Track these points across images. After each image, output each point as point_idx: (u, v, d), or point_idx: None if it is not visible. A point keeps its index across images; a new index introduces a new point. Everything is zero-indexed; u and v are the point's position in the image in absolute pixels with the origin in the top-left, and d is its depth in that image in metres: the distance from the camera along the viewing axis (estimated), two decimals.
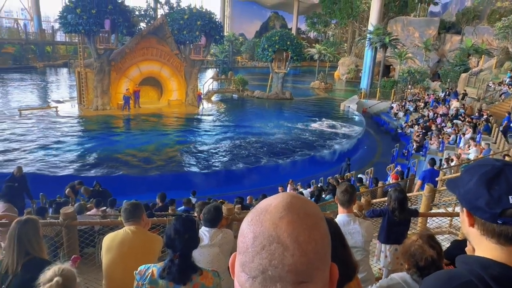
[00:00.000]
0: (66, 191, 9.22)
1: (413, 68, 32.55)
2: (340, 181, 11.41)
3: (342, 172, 14.54)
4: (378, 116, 28.23)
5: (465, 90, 24.65)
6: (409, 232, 4.31)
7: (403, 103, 27.14)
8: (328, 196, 10.49)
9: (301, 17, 68.40)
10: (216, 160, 16.35)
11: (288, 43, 29.46)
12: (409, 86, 31.48)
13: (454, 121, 18.87)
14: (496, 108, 19.84)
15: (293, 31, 57.47)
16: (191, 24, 23.87)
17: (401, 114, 25.17)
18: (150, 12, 36.70)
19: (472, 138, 15.11)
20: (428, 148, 16.53)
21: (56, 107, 23.23)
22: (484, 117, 17.33)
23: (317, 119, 25.34)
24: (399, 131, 22.42)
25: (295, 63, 32.39)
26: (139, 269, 2.11)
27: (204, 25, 24.18)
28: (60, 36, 52.01)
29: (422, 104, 25.22)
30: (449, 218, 5.95)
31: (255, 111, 27.69)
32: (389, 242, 4.13)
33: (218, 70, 41.51)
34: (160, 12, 35.75)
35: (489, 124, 16.15)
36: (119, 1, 21.75)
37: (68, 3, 20.44)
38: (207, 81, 33.96)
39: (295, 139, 20.00)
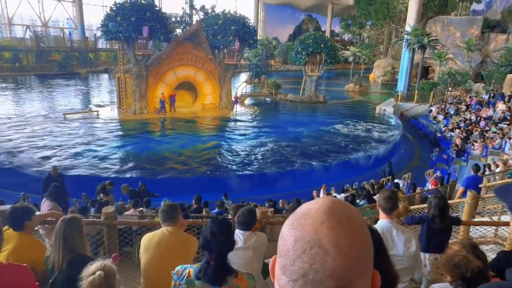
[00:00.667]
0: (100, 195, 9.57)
1: (454, 69, 31.18)
2: (375, 186, 11.11)
3: (384, 175, 14.13)
4: (416, 119, 27.24)
5: (511, 92, 23.27)
6: (450, 241, 4.11)
7: (443, 106, 26.04)
8: (362, 202, 10.23)
9: (335, 19, 67.56)
10: (249, 163, 16.44)
11: (322, 45, 29.19)
12: (450, 88, 30.15)
13: (500, 124, 17.84)
14: None
15: (327, 34, 56.88)
16: (225, 29, 24.26)
17: (440, 117, 24.16)
18: (186, 19, 37.74)
19: None
20: (470, 153, 15.73)
21: (97, 111, 24.35)
22: None
23: (351, 122, 24.87)
24: (439, 135, 21.50)
25: (329, 66, 32.04)
26: (176, 269, 2.16)
27: (238, 29, 24.48)
28: (101, 43, 54.60)
29: (464, 107, 24.07)
30: (494, 227, 5.61)
31: (288, 114, 27.62)
32: (428, 251, 3.96)
33: (251, 74, 41.83)
34: (195, 18, 36.64)
35: None
36: (157, 8, 22.54)
37: (109, 12, 21.45)
38: (241, 85, 34.30)
39: (329, 143, 19.72)
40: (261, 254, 3.31)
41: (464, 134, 17.84)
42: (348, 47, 50.05)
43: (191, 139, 19.32)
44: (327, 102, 31.97)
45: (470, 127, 18.81)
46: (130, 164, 15.37)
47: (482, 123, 19.03)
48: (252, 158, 17.05)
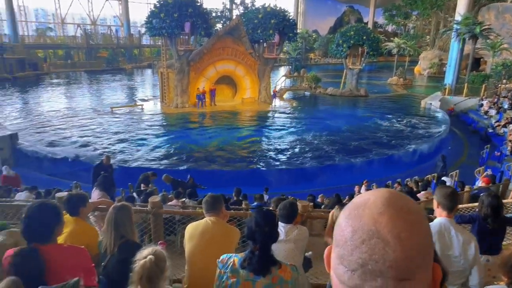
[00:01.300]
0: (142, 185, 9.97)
1: (509, 60, 29.02)
2: (419, 183, 10.68)
3: (439, 170, 13.55)
4: (465, 114, 25.74)
5: None
6: (504, 243, 3.88)
7: (496, 99, 24.37)
8: None
9: (378, 10, 65.05)
10: (288, 157, 16.40)
11: (364, 37, 28.30)
12: (504, 81, 28.14)
13: None
14: None
15: (370, 25, 55.06)
16: (265, 22, 24.23)
17: (492, 111, 22.65)
18: (226, 13, 38.10)
19: None
20: None
21: (142, 105, 25.35)
22: None
23: (394, 117, 24.00)
24: (490, 130, 20.20)
25: (371, 58, 31.03)
26: (221, 257, 2.22)
27: (278, 23, 24.35)
28: (145, 40, 56.58)
29: None
30: None
31: (327, 108, 27.17)
32: (479, 252, 3.76)
33: (290, 67, 41.52)
34: (236, 12, 36.88)
35: None
36: (198, 4, 22.93)
37: (153, 9, 22.14)
38: (280, 78, 34.17)
39: (369, 138, 19.18)
40: (302, 248, 3.31)
41: None
42: (392, 38, 48.10)
43: (230, 132, 19.59)
44: (368, 96, 31.05)
45: None
46: (172, 156, 15.89)
47: None
48: (291, 152, 16.99)
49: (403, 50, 41.72)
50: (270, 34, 24.33)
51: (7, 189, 9.60)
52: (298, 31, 34.31)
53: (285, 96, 30.74)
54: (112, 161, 13.11)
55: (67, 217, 3.19)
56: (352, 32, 28.62)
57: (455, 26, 29.42)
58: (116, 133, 19.21)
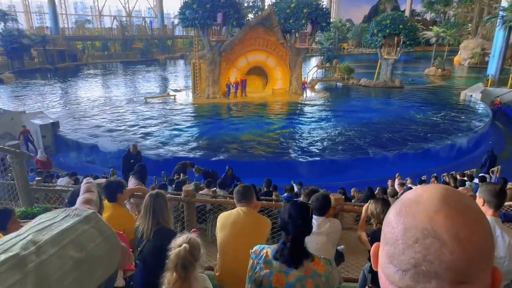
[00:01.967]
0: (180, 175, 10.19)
1: None
2: (457, 178, 10.24)
3: (486, 165, 12.93)
4: (509, 106, 24.31)
5: None
6: None
7: None
8: None
9: None
10: (319, 149, 16.22)
11: (401, 26, 27.22)
12: None
13: None
14: None
15: (407, 13, 52.90)
16: (298, 12, 23.85)
17: None
18: (258, 3, 37.84)
19: None
20: None
21: (174, 95, 25.84)
22: None
23: (430, 109, 23.06)
24: None
25: (408, 48, 29.84)
26: (254, 248, 2.23)
27: (311, 12, 23.90)
28: (178, 31, 57.41)
29: None
30: None
31: (360, 100, 26.51)
32: None
33: (322, 58, 40.76)
34: (268, 2, 36.54)
35: None
36: None
37: (186, 0, 22.35)
38: (311, 69, 33.68)
39: (404, 131, 18.55)
40: (335, 241, 3.27)
41: None
42: (430, 27, 45.95)
43: (260, 123, 19.60)
44: (403, 87, 29.98)
45: None
46: (203, 147, 16.13)
47: None
48: (322, 144, 16.79)
49: (442, 39, 39.70)
50: (303, 24, 23.95)
51: (49, 175, 10.14)
52: (331, 20, 33.49)
53: (317, 87, 30.28)
54: (143, 150, 13.55)
55: (105, 202, 3.32)
56: (388, 21, 27.60)
57: (500, 13, 27.63)
58: (149, 122, 19.73)
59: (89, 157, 15.61)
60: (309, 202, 3.30)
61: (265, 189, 8.46)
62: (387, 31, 27.41)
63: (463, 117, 21.36)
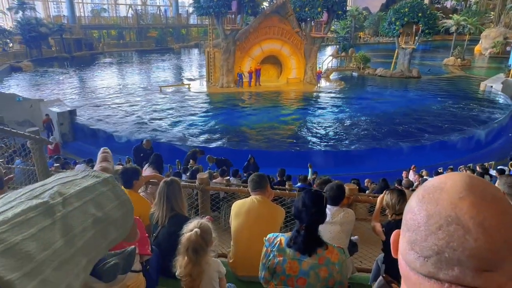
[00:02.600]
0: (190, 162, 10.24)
1: None
2: (475, 171, 10.03)
3: None
4: None
5: None
6: None
7: None
8: None
9: None
10: (333, 139, 16.11)
11: (420, 14, 26.52)
12: None
13: None
14: None
15: (426, 1, 51.33)
16: (313, 0, 23.45)
17: None
18: None
19: None
20: None
21: (189, 85, 25.93)
22: None
23: (448, 100, 22.56)
24: None
25: (426, 37, 29.03)
26: (268, 236, 2.24)
27: (327, 0, 23.49)
28: (193, 19, 57.28)
29: None
30: None
31: (376, 90, 26.10)
32: None
33: (338, 47, 40.16)
34: None
35: None
36: None
37: None
38: (326, 58, 33.24)
39: (420, 122, 18.22)
40: (348, 230, 3.27)
41: None
42: (450, 15, 44.63)
43: (274, 113, 19.53)
44: (421, 77, 29.34)
45: None
46: (216, 135, 16.21)
47: None
48: (336, 135, 16.66)
49: (463, 28, 38.56)
50: (318, 12, 23.57)
51: (65, 162, 10.37)
52: (348, 8, 32.88)
53: (332, 76, 29.92)
54: (157, 137, 13.66)
55: None
56: (406, 9, 26.92)
57: None
58: (164, 111, 19.89)
59: (105, 144, 15.85)
60: (324, 191, 3.29)
61: (278, 179, 8.46)
62: (405, 19, 26.76)
63: (482, 109, 20.84)
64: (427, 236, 0.59)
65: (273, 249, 2.14)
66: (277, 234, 2.24)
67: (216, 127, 17.46)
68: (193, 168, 8.79)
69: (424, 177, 10.40)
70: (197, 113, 19.63)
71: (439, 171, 11.27)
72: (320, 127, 17.74)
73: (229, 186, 5.43)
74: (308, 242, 2.08)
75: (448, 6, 63.33)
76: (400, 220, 0.70)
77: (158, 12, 57.47)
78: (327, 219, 3.04)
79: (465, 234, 0.56)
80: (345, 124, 18.07)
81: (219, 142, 15.22)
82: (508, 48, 34.36)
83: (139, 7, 56.94)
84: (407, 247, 0.64)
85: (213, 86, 24.74)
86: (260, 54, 24.39)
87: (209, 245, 2.37)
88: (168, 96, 23.20)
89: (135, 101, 22.06)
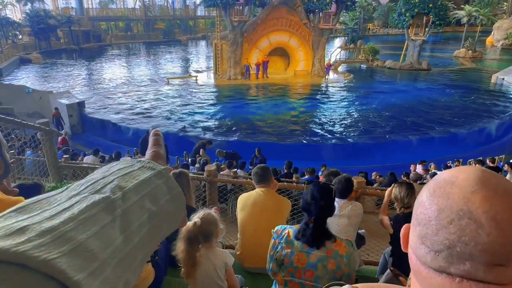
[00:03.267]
0: (200, 152, 10.32)
1: None
2: (484, 164, 9.91)
3: None
4: None
5: None
6: None
7: None
8: None
9: None
10: (340, 132, 16.03)
11: (430, 5, 26.03)
12: None
13: None
14: None
15: None
16: None
17: None
18: None
19: None
20: None
21: (196, 77, 25.92)
22: None
23: (458, 92, 22.24)
24: None
25: (437, 28, 28.61)
26: (276, 228, 2.25)
27: None
28: (200, 11, 56.98)
29: None
30: None
31: (385, 82, 25.82)
32: None
33: (346, 39, 39.72)
34: None
35: None
36: None
37: None
38: (335, 50, 32.92)
39: (430, 115, 18.02)
40: (356, 224, 3.26)
41: None
42: (462, 6, 43.75)
43: (282, 105, 19.46)
44: (431, 69, 28.93)
45: None
46: (224, 128, 16.22)
47: None
48: (344, 128, 16.57)
49: (475, 19, 37.78)
50: (327, 3, 23.28)
51: (74, 153, 10.47)
52: None
53: (340, 69, 29.65)
54: (166, 130, 13.72)
55: None
56: (416, 0, 26.46)
57: None
58: (171, 103, 19.94)
59: (113, 136, 16.01)
60: (332, 184, 3.29)
61: (285, 171, 8.47)
62: (416, 10, 26.31)
63: (493, 101, 20.52)
64: (438, 230, 0.59)
65: (281, 241, 2.15)
66: (285, 226, 2.24)
67: (223, 119, 17.48)
68: (203, 160, 8.84)
69: (433, 171, 10.32)
70: (204, 105, 19.65)
71: (448, 164, 11.18)
72: (328, 120, 17.65)
73: (237, 178, 5.46)
74: (316, 235, 2.08)
75: None
76: (409, 214, 0.69)
77: (165, 4, 57.28)
78: (335, 212, 3.05)
79: (477, 228, 0.56)
80: (353, 117, 17.95)
81: (226, 135, 15.24)
82: None
83: None
84: (417, 241, 0.63)
85: (221, 78, 24.69)
86: (267, 46, 24.23)
87: (213, 236, 2.39)
88: (175, 88, 23.23)
89: (142, 92, 22.14)
